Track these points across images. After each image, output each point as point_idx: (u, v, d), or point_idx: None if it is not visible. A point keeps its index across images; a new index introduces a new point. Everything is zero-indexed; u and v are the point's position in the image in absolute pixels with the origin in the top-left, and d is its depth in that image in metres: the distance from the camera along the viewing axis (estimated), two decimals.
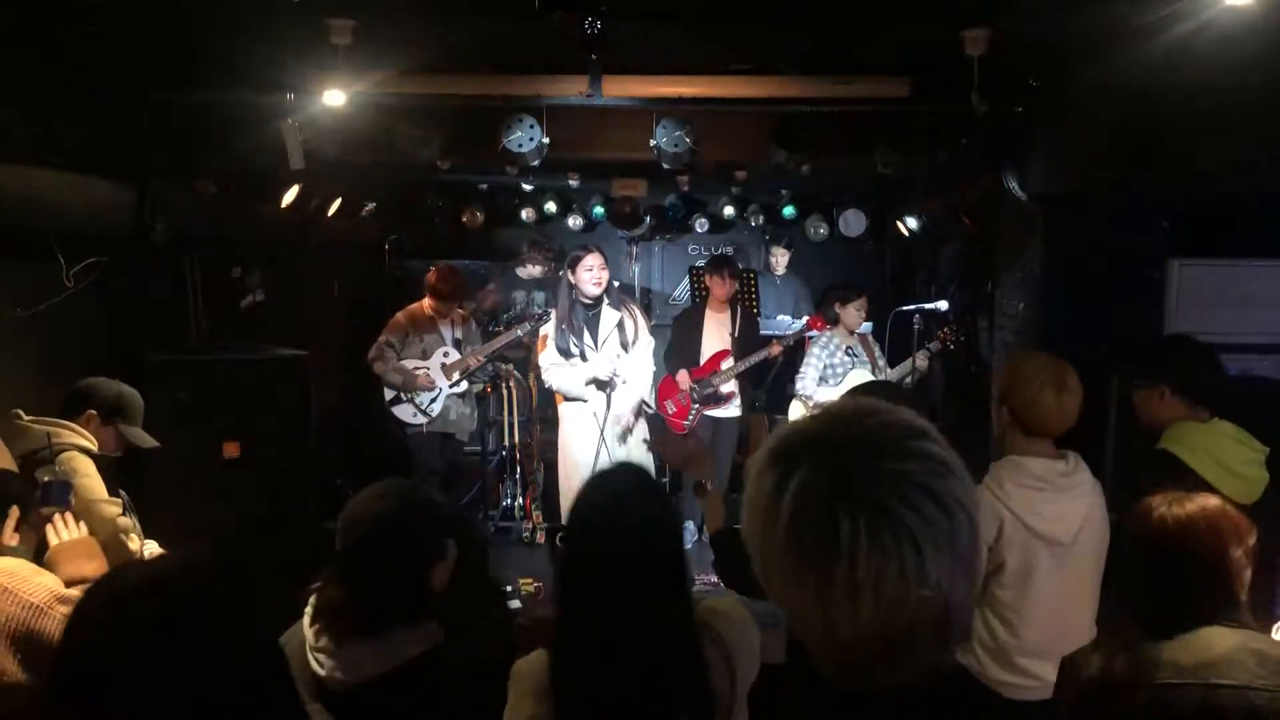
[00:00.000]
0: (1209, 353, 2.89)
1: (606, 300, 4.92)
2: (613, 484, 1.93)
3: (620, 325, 4.96)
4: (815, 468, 0.96)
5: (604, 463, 4.84)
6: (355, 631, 1.94)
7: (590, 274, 4.84)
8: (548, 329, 5.05)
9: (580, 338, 4.91)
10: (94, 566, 2.27)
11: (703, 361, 5.75)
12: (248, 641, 1.25)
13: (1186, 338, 3.06)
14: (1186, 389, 2.81)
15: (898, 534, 0.92)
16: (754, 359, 5.65)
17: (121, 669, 1.15)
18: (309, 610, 2.01)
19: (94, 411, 3.30)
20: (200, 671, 1.17)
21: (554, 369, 4.95)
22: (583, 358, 4.93)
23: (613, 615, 1.76)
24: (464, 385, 5.80)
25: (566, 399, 5.06)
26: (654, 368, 5.19)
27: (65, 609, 1.89)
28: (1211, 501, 1.96)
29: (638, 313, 5.12)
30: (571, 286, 4.90)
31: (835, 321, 5.77)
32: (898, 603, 0.93)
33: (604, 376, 4.84)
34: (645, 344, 5.07)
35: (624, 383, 4.90)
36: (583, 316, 4.93)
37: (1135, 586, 1.98)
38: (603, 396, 4.90)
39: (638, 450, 4.96)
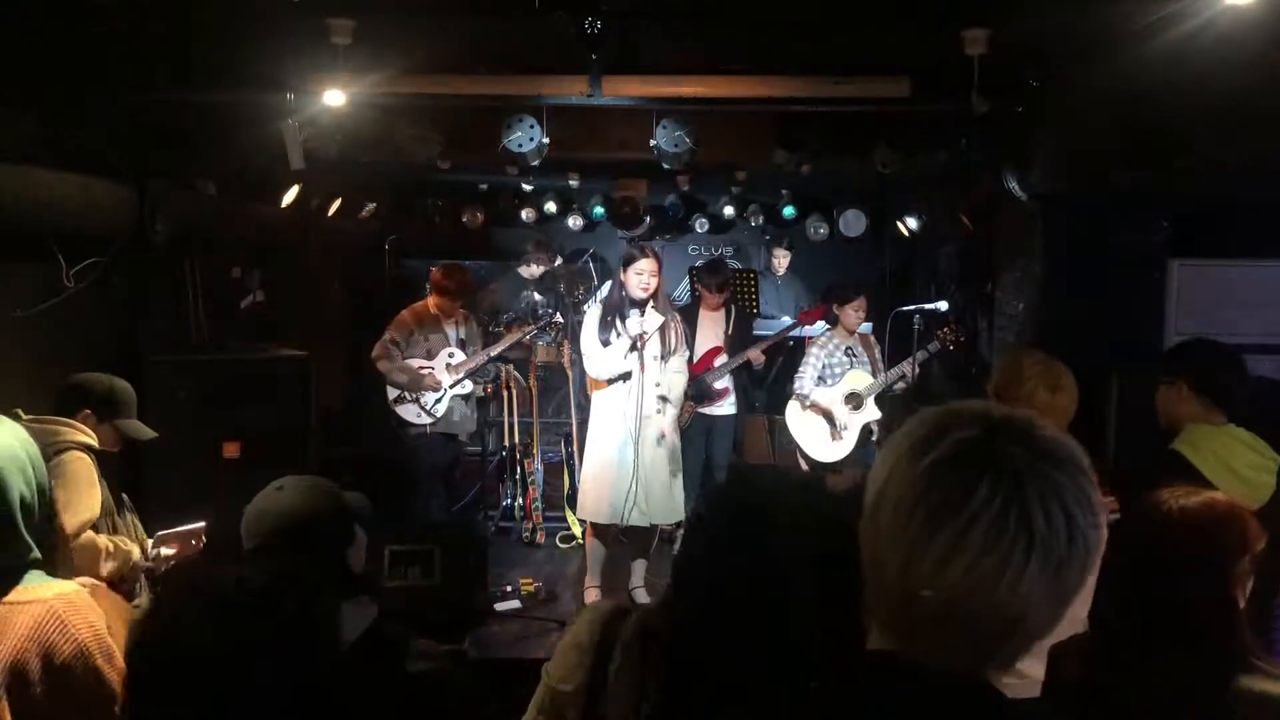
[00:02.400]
0: (1233, 357, 2.89)
1: (653, 305, 4.89)
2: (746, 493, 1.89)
3: (662, 331, 4.91)
4: (986, 433, 0.97)
5: (628, 462, 4.85)
6: None
7: (640, 278, 4.79)
8: (586, 330, 5.00)
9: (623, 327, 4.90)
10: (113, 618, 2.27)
11: (696, 359, 5.75)
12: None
13: (1214, 342, 3.06)
14: (1205, 388, 2.81)
15: (1021, 526, 0.92)
16: (739, 359, 5.65)
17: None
18: None
19: (89, 411, 3.26)
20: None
21: (595, 356, 4.92)
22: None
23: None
24: (469, 386, 5.77)
25: (600, 395, 5.02)
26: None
27: (101, 661, 1.87)
28: (1222, 498, 1.85)
29: (679, 323, 5.06)
30: (620, 284, 4.89)
31: (835, 322, 5.76)
32: (980, 585, 0.93)
33: (639, 329, 4.76)
34: (683, 355, 5.06)
35: (658, 386, 4.88)
36: (628, 315, 4.91)
37: (1123, 588, 1.80)
38: (634, 396, 4.88)
39: (664, 453, 4.94)
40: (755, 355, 5.66)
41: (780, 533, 1.73)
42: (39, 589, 1.87)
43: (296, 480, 2.08)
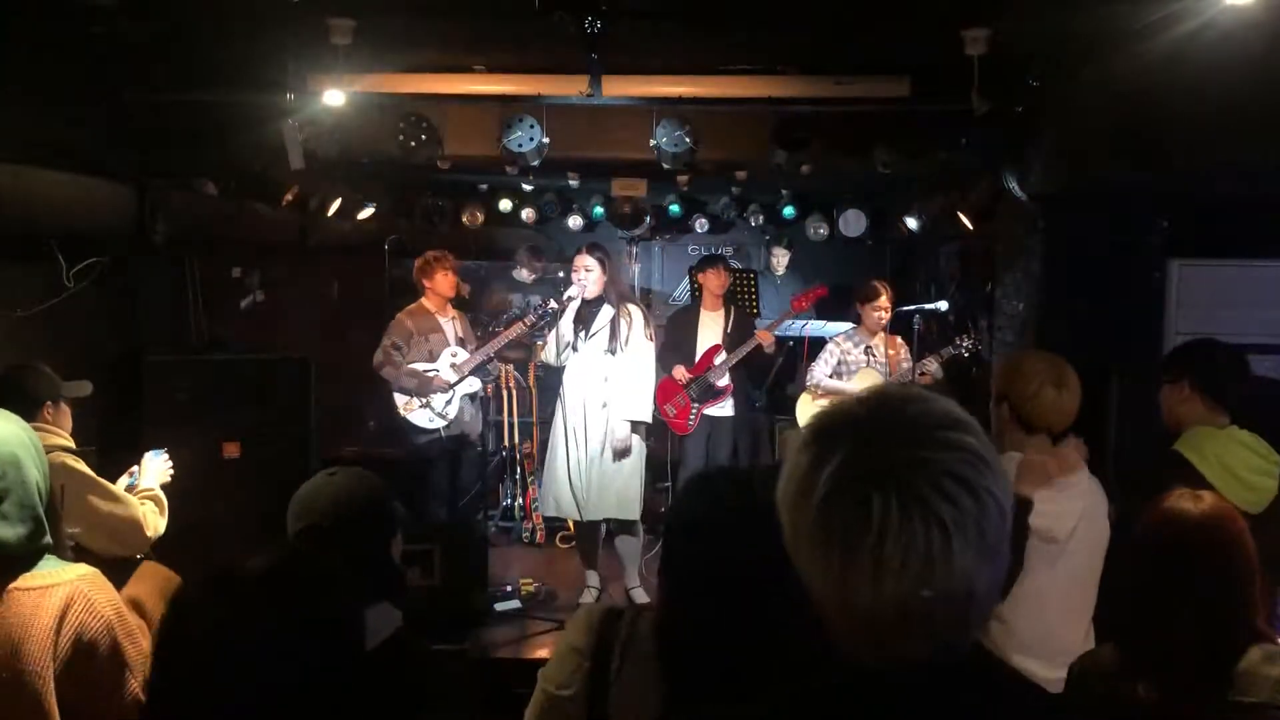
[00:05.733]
0: (1236, 357, 2.90)
1: (606, 299, 4.93)
2: (713, 488, 1.91)
3: (613, 324, 4.90)
4: (854, 448, 0.99)
5: (571, 455, 4.89)
6: None
7: (576, 274, 4.93)
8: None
9: (569, 320, 5.00)
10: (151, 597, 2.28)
11: (698, 359, 5.75)
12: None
13: (1217, 342, 3.06)
14: (1207, 388, 2.81)
15: (928, 518, 0.95)
16: (744, 349, 5.64)
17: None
18: None
19: (48, 401, 3.09)
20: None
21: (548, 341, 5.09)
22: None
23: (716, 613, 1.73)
24: (476, 384, 5.68)
25: (561, 388, 5.08)
26: (651, 377, 5.06)
27: (122, 636, 1.99)
28: (1223, 501, 1.90)
29: (637, 318, 4.98)
30: None
31: (858, 320, 5.76)
32: (919, 583, 0.95)
33: (577, 294, 4.90)
34: (637, 349, 4.94)
35: (606, 380, 4.89)
36: (584, 309, 4.97)
37: (1148, 590, 1.87)
38: (578, 389, 4.93)
39: (611, 447, 4.89)
40: (764, 336, 5.62)
41: (758, 528, 1.75)
42: (57, 573, 1.97)
43: (347, 469, 2.12)
